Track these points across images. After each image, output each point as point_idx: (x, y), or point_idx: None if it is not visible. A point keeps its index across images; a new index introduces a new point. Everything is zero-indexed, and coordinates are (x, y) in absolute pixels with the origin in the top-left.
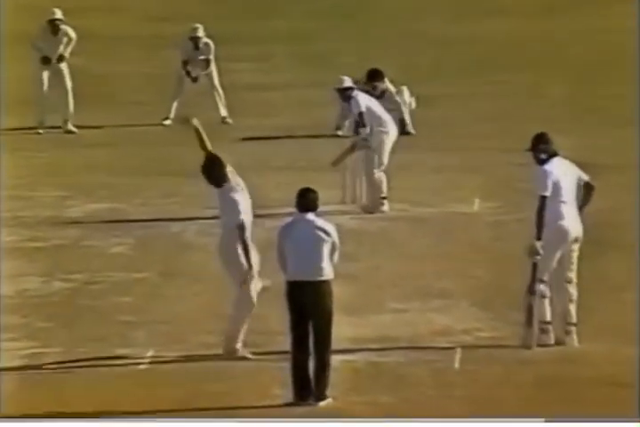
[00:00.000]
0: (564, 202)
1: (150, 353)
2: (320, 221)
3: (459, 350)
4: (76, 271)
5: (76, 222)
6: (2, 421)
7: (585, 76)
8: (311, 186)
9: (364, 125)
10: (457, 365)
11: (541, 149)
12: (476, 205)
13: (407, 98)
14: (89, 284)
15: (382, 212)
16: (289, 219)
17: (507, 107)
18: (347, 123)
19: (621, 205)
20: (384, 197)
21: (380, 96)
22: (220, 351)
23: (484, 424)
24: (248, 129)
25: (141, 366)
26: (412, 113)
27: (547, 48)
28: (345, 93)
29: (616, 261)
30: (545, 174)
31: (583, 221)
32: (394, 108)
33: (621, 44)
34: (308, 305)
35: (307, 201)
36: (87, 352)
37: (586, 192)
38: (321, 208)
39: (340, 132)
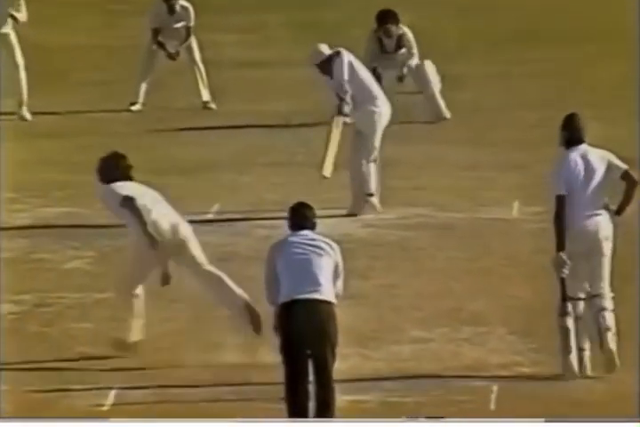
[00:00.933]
0: (582, 203)
1: (113, 393)
2: (319, 238)
3: (495, 388)
4: (25, 291)
5: (24, 229)
6: (1, 421)
7: None
8: (312, 186)
9: (342, 99)
10: (493, 406)
11: (564, 134)
12: (515, 209)
13: (432, 76)
14: (40, 306)
15: (369, 213)
16: (281, 236)
17: (551, 90)
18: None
19: None
20: (371, 195)
21: (398, 47)
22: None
23: (484, 424)
24: (235, 116)
25: (104, 408)
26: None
27: (601, 16)
28: (327, 66)
29: None
30: (559, 169)
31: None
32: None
33: None
34: (305, 331)
35: (301, 219)
36: (37, 391)
37: (626, 187)
38: (325, 214)
39: (348, 119)
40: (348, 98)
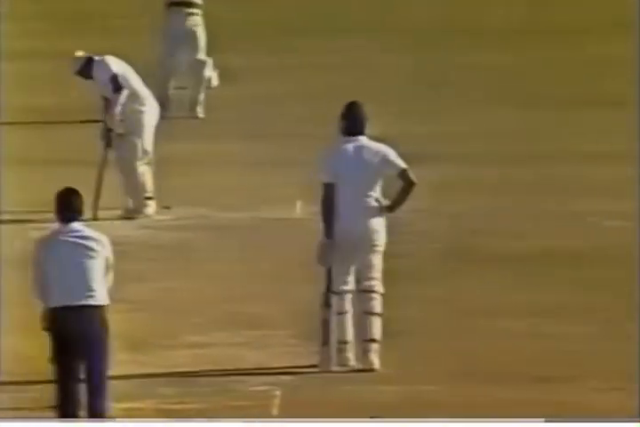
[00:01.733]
0: (348, 195)
1: None
2: (88, 232)
3: (278, 393)
4: None
5: None
6: (2, 421)
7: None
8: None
9: (118, 90)
10: (276, 412)
11: (343, 123)
12: (298, 208)
13: (208, 72)
14: None
15: (147, 216)
16: (46, 231)
17: (333, 82)
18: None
19: None
20: (149, 198)
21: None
22: None
23: (483, 424)
24: None
25: None
26: (210, 91)
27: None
28: (87, 71)
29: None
30: (328, 157)
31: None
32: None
33: None
34: (78, 338)
35: (70, 206)
36: None
37: (402, 186)
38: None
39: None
40: (119, 98)
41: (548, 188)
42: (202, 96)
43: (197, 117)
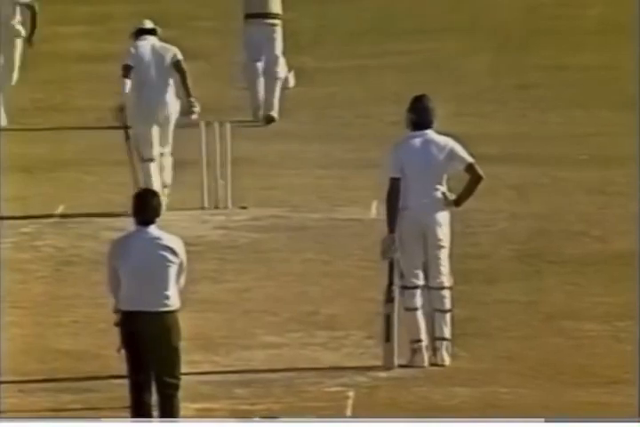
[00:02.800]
0: (415, 189)
1: None
2: (165, 238)
3: (352, 394)
4: None
5: None
6: (2, 421)
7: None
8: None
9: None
10: (349, 413)
11: (410, 116)
12: (374, 209)
13: (282, 72)
14: None
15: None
16: (123, 234)
17: (413, 83)
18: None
19: None
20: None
21: None
22: None
23: (483, 424)
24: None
25: None
26: (288, 93)
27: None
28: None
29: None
30: (395, 152)
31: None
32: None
33: None
34: (147, 342)
35: (147, 209)
36: None
37: (469, 181)
38: (173, 215)
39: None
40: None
41: (632, 189)
42: (277, 99)
43: (273, 120)
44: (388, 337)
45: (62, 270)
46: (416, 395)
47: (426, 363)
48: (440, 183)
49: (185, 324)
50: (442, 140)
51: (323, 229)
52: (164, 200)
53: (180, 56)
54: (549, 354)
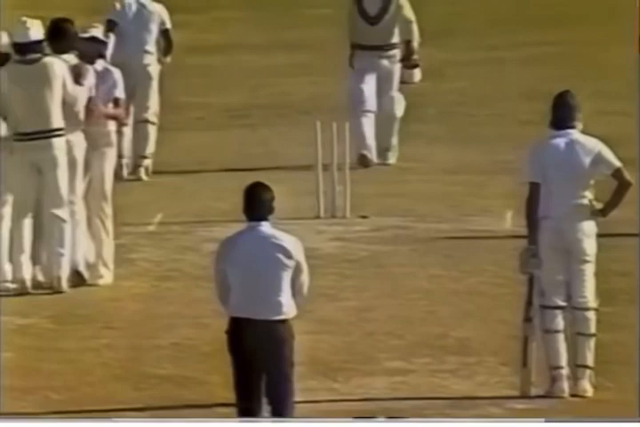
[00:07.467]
0: (557, 196)
1: None
2: (279, 236)
3: None
4: None
5: None
6: (2, 420)
7: None
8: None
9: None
10: None
11: (553, 115)
12: (508, 219)
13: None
14: None
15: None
16: (233, 231)
17: (551, 78)
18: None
19: None
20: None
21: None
22: None
23: (483, 424)
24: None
25: None
26: (413, 88)
27: None
28: None
29: None
30: (534, 154)
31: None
32: None
33: None
34: (256, 352)
35: (258, 203)
36: None
37: (617, 187)
38: (287, 225)
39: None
40: None
41: None
42: (394, 139)
43: (387, 164)
44: (525, 362)
45: (160, 286)
46: None
47: (566, 393)
48: (586, 190)
49: (299, 346)
50: (588, 141)
51: (451, 242)
52: (142, 171)
53: (168, 25)
54: None
